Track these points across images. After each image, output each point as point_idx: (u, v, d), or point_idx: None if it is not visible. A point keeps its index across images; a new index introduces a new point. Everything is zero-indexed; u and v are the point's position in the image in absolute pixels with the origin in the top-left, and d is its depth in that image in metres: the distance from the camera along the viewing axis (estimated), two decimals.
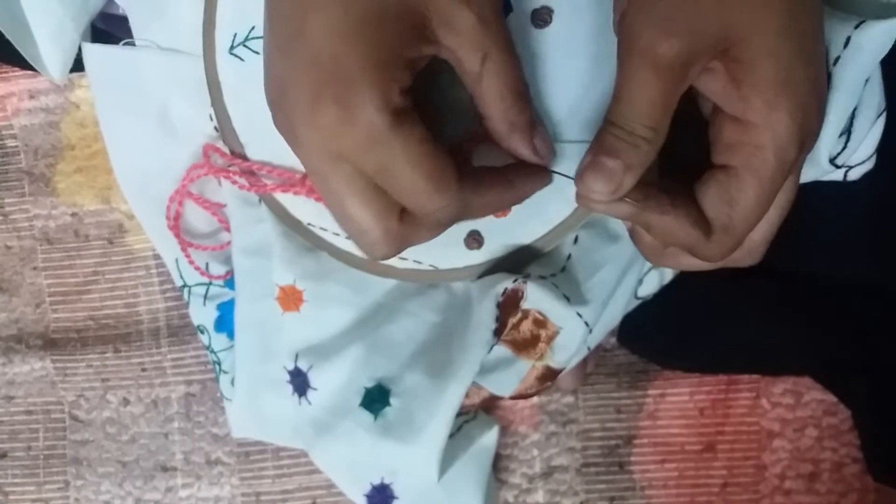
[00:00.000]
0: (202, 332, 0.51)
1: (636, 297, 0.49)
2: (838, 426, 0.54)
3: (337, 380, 0.47)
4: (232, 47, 0.43)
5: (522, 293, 0.43)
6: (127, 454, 0.57)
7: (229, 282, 0.50)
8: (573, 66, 0.39)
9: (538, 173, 0.39)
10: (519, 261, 0.44)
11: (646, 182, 0.35)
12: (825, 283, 0.48)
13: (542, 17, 0.39)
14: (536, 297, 0.43)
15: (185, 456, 0.57)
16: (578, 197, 0.36)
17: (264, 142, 0.44)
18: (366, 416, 0.46)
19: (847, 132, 0.41)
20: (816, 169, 0.42)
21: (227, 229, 0.48)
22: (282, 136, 0.35)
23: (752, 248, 0.38)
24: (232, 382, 0.51)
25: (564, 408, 0.55)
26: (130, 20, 0.46)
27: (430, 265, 0.45)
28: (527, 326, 0.44)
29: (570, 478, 0.55)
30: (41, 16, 0.44)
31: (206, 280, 0.50)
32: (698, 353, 0.53)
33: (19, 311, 0.57)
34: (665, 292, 0.49)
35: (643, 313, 0.49)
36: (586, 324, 0.44)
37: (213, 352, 0.51)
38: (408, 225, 0.36)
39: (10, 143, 0.55)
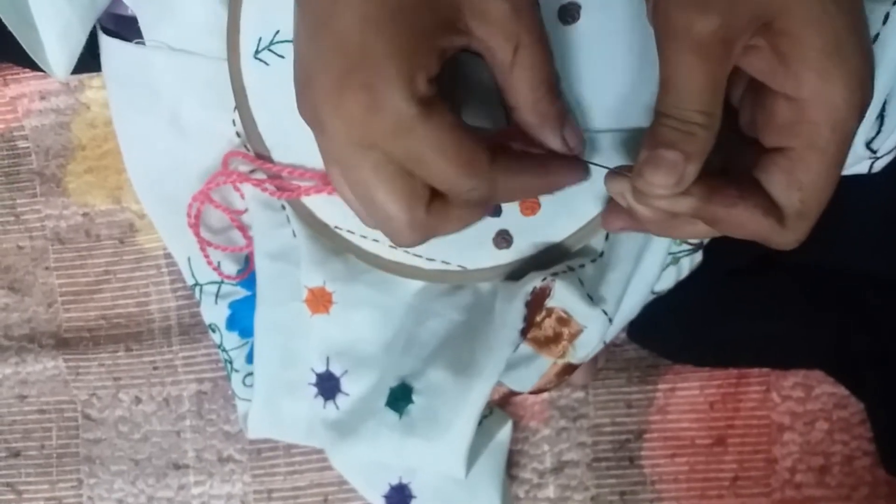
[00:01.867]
0: (214, 331, 0.51)
1: (652, 293, 0.48)
2: (849, 419, 0.54)
3: (368, 384, 0.47)
4: (257, 52, 0.43)
5: (550, 291, 0.43)
6: (139, 452, 0.57)
7: (243, 282, 0.50)
8: (604, 60, 0.39)
9: (574, 165, 0.39)
10: (548, 260, 0.44)
11: (709, 173, 0.34)
12: (837, 276, 0.48)
13: (570, 14, 0.39)
14: (563, 296, 0.43)
15: (197, 453, 0.57)
16: (638, 194, 0.35)
17: (290, 145, 0.44)
18: (391, 415, 0.46)
19: (881, 116, 0.40)
20: (852, 154, 0.39)
21: (244, 233, 0.48)
22: (307, 125, 0.35)
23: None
24: (243, 381, 0.51)
25: (575, 403, 0.55)
26: (140, 20, 0.46)
27: (459, 265, 0.45)
28: (549, 324, 0.44)
29: (580, 472, 0.55)
30: (49, 16, 0.44)
31: (218, 278, 0.50)
32: (708, 347, 0.52)
33: (32, 311, 0.57)
34: (675, 286, 0.49)
35: (653, 308, 0.48)
36: (609, 320, 0.44)
37: (224, 350, 0.51)
38: (435, 215, 0.35)
39: (21, 143, 0.56)
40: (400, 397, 0.46)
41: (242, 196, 0.48)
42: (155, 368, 0.57)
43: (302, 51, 0.34)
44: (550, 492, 0.55)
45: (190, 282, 0.51)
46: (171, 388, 0.57)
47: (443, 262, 0.45)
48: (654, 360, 0.55)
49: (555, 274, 0.43)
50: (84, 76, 0.53)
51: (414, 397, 0.46)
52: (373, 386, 0.47)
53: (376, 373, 0.47)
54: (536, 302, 0.43)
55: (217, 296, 0.50)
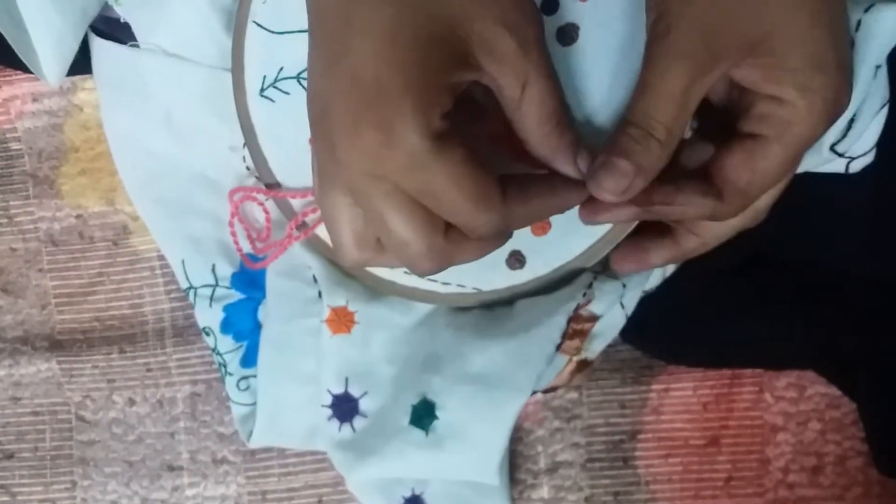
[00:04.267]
0: (207, 335, 0.51)
1: (642, 291, 0.49)
2: (841, 419, 0.54)
3: (384, 404, 0.47)
4: (262, 90, 0.43)
5: (590, 302, 0.43)
6: (133, 454, 0.57)
7: (237, 285, 0.50)
8: (607, 78, 0.39)
9: (580, 185, 0.39)
10: (562, 277, 0.44)
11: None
12: (828, 276, 0.48)
13: (568, 35, 0.39)
14: (601, 302, 0.43)
15: (191, 455, 0.57)
16: (592, 189, 0.36)
17: (300, 179, 0.44)
18: (416, 433, 0.46)
19: (850, 119, 0.41)
20: (817, 157, 0.42)
21: (254, 249, 0.48)
22: (320, 153, 0.35)
23: (757, 212, 0.40)
24: (237, 385, 0.51)
25: (568, 404, 0.55)
26: (134, 26, 0.46)
27: (474, 288, 0.45)
28: (572, 325, 0.45)
29: (574, 473, 0.55)
30: (41, 25, 0.44)
31: (213, 282, 0.50)
32: (702, 348, 0.53)
33: (25, 313, 0.57)
34: (668, 287, 0.49)
35: (646, 308, 0.49)
36: (623, 307, 0.45)
37: (218, 354, 0.51)
38: (453, 242, 0.35)
39: (14, 145, 0.56)
40: (423, 414, 0.46)
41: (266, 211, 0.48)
42: (149, 370, 0.56)
43: (317, 84, 0.34)
44: (544, 492, 0.56)
45: (184, 285, 0.51)
46: (164, 389, 0.57)
47: (458, 285, 0.45)
48: (647, 361, 0.55)
49: (590, 285, 0.43)
50: (77, 78, 0.53)
51: (438, 413, 0.46)
52: (390, 404, 0.47)
53: (392, 392, 0.47)
54: (576, 318, 0.44)
55: (211, 299, 0.50)
